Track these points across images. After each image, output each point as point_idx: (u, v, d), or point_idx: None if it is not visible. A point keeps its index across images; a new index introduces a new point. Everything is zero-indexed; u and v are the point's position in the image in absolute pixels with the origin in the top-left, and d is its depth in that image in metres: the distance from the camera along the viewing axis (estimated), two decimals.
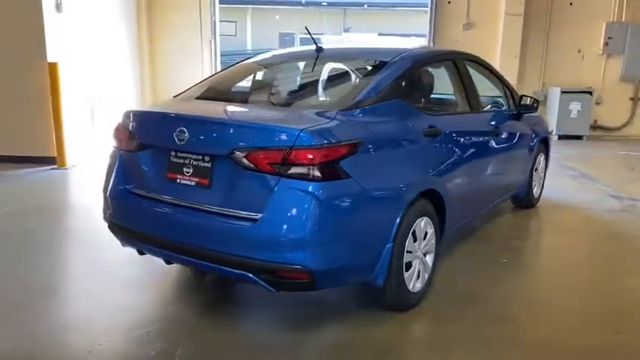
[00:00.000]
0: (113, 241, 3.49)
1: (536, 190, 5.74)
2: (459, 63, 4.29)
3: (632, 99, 10.64)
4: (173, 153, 3.12)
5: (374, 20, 29.18)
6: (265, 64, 4.29)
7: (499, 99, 4.96)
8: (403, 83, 3.51)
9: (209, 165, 3.00)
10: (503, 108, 4.93)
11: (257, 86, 4.09)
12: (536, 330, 3.23)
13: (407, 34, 27.73)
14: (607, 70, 10.58)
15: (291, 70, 4.27)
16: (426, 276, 3.51)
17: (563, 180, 7.08)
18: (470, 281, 3.89)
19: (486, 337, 3.12)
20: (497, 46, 10.12)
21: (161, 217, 3.15)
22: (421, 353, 3.06)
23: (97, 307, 3.42)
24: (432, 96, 4.03)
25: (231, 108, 3.57)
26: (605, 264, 4.39)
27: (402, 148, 3.31)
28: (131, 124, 3.33)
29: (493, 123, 4.45)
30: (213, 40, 10.33)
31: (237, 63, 4.19)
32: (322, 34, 29.11)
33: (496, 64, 8.59)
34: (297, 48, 4.46)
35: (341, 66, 3.94)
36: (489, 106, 4.86)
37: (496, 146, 4.45)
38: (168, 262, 3.50)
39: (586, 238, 5.06)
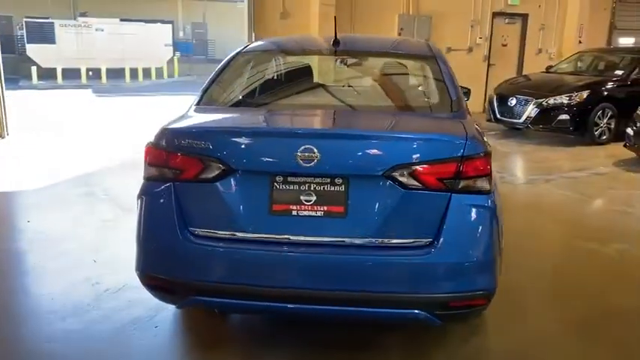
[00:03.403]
0: None
1: None
2: None
3: None
4: (280, 179, 2.43)
5: (110, 5, 26.66)
6: (292, 61, 3.59)
7: None
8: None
9: (342, 189, 2.43)
10: None
11: (318, 87, 3.49)
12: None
13: (152, 20, 26.35)
14: None
15: (330, 66, 3.63)
16: None
17: None
18: None
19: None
20: (315, 34, 10.36)
21: (269, 262, 2.45)
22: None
23: None
24: None
25: (344, 115, 2.97)
26: (554, 230, 5.00)
27: None
28: (202, 145, 2.45)
29: None
30: None
31: (234, 59, 3.35)
32: (48, 18, 25.54)
33: None
34: (303, 38, 3.79)
35: (389, 61, 3.55)
36: None
37: None
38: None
39: (514, 212, 5.57)
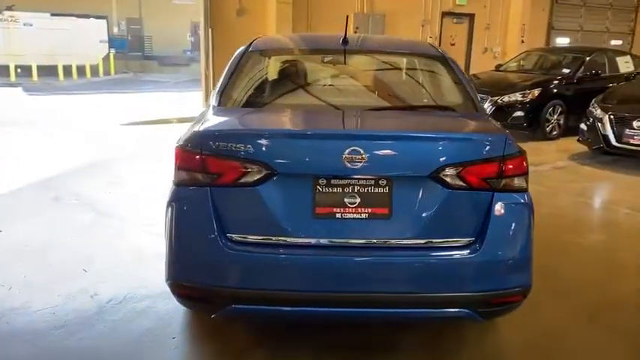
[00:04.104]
0: None
1: None
2: None
3: None
4: (323, 181, 2.38)
5: None
6: (305, 60, 3.46)
7: None
8: None
9: (386, 190, 2.40)
10: None
11: (340, 87, 3.40)
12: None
13: (85, 15, 25.11)
14: None
15: (346, 65, 3.53)
16: None
17: None
18: None
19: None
20: (272, 32, 10.23)
21: (313, 266, 2.40)
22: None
23: None
24: None
25: (384, 116, 2.91)
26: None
27: None
28: (243, 148, 2.35)
29: None
30: None
31: (243, 58, 3.21)
32: None
33: None
34: (311, 36, 3.70)
35: (407, 60, 3.52)
36: None
37: None
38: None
39: None
